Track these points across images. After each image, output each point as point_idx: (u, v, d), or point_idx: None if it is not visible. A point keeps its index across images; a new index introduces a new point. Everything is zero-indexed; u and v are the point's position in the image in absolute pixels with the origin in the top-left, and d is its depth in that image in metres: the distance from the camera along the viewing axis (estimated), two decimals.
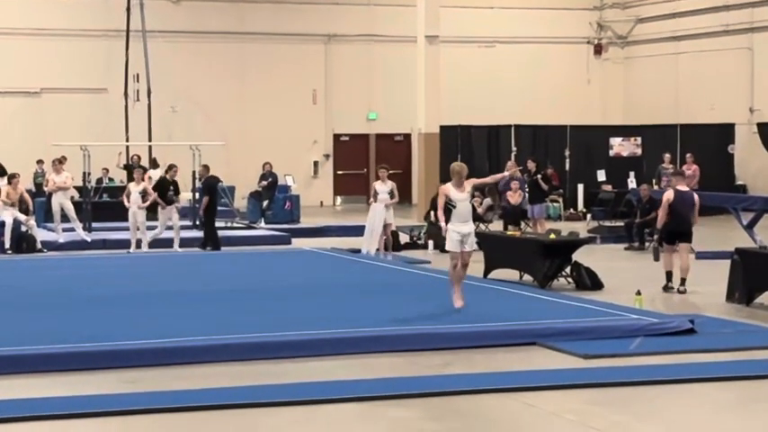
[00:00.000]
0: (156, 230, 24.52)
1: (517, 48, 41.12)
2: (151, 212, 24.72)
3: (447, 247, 15.05)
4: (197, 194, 28.35)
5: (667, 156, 31.62)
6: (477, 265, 19.90)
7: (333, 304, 15.67)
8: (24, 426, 9.66)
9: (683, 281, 17.69)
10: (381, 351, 12.64)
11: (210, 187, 25.05)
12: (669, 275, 17.90)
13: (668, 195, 18.02)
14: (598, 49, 42.56)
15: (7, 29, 36.27)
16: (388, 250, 23.25)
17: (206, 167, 26.04)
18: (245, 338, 12.72)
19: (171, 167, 25.36)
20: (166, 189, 24.41)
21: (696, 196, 18.31)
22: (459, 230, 14.90)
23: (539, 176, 27.20)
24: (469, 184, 15.00)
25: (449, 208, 14.87)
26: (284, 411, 10.17)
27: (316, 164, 40.35)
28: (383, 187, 22.97)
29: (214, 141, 30.86)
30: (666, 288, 17.81)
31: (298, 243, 25.90)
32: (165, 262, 22.28)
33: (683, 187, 18.32)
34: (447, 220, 14.91)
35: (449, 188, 14.91)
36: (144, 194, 24.12)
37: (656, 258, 18.56)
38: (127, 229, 24.71)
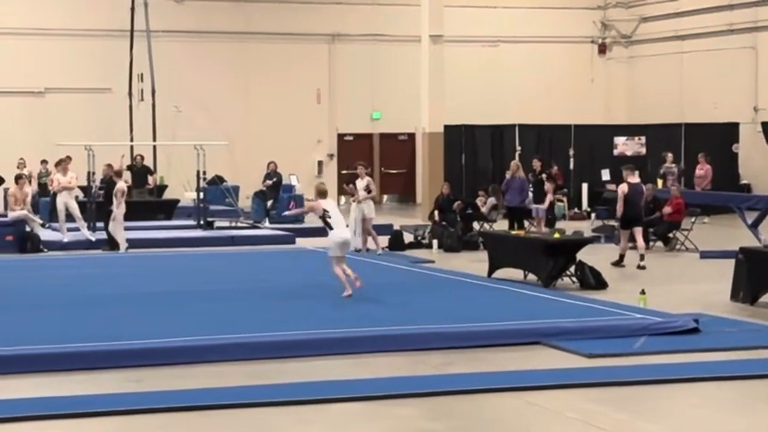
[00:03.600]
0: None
1: (521, 47, 41.10)
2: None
3: (333, 254, 16.41)
4: (201, 194, 28.38)
5: (669, 155, 31.60)
6: (481, 265, 19.94)
7: (337, 304, 15.68)
8: (30, 425, 9.68)
9: (642, 257, 20.91)
10: (385, 350, 12.65)
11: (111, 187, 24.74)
12: (622, 258, 20.94)
13: (623, 188, 21.08)
14: (602, 49, 42.54)
15: (11, 29, 36.27)
16: (378, 245, 23.38)
17: (110, 166, 25.88)
18: (249, 338, 12.74)
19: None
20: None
21: (644, 187, 22.28)
22: (342, 236, 16.32)
23: (543, 176, 27.21)
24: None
25: (327, 220, 16.28)
26: (288, 410, 10.18)
27: (320, 163, 40.34)
28: (360, 183, 23.59)
29: (218, 141, 30.88)
30: (617, 264, 20.74)
31: (302, 243, 25.89)
32: (169, 261, 22.29)
33: (634, 180, 21.37)
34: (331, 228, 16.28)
35: (323, 202, 16.46)
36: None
37: (618, 243, 21.73)
38: (132, 228, 24.76)
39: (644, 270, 20.47)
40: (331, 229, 16.27)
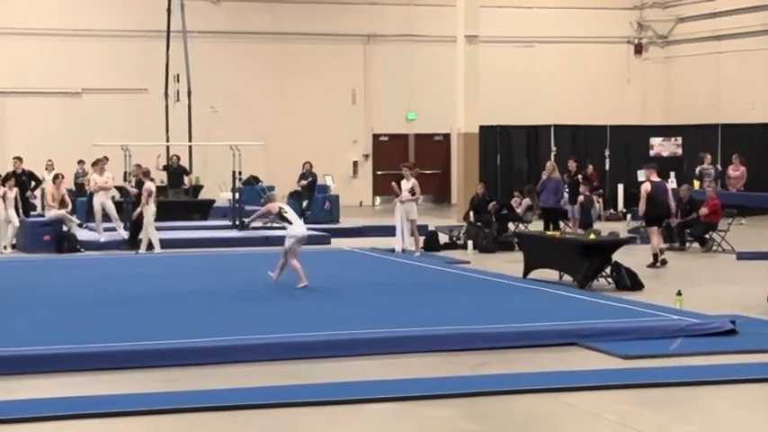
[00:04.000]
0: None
1: (557, 47, 40.99)
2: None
3: (290, 246, 17.77)
4: (236, 195, 28.44)
5: (708, 156, 31.43)
6: (516, 266, 19.90)
7: (371, 304, 15.68)
8: (62, 424, 9.71)
9: (655, 256, 21.15)
10: (420, 351, 12.63)
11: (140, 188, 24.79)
12: (656, 257, 21.02)
13: (646, 187, 21.28)
14: (638, 49, 42.39)
15: (49, 30, 36.49)
16: (417, 247, 23.39)
17: (138, 166, 25.95)
18: (282, 338, 12.74)
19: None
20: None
21: (667, 184, 22.80)
22: (302, 231, 17.96)
23: (579, 176, 27.11)
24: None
25: (284, 215, 17.99)
26: (321, 411, 10.17)
27: (355, 164, 40.38)
28: (406, 185, 23.51)
29: (254, 141, 30.93)
30: (653, 265, 20.73)
31: (337, 243, 25.90)
32: (204, 261, 22.34)
33: (656, 178, 21.55)
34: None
35: (277, 203, 18.58)
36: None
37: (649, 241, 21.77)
38: (167, 228, 24.83)
39: (661, 268, 20.77)
40: (290, 224, 17.82)
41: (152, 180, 25.52)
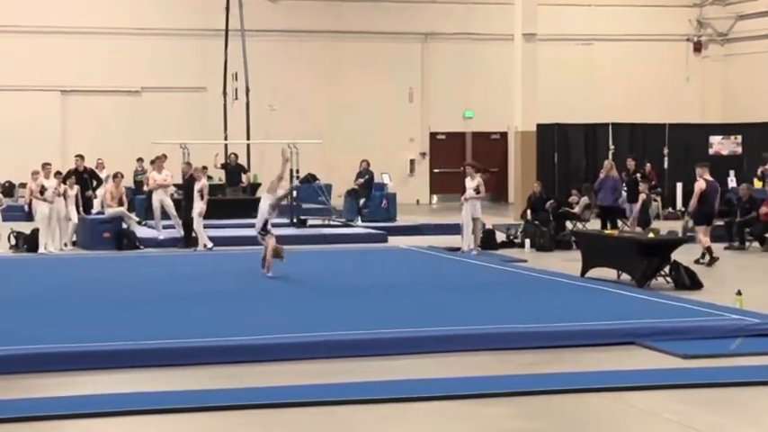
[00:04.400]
0: None
1: (615, 45, 40.81)
2: None
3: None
4: (294, 193, 28.52)
5: None
6: (574, 264, 19.82)
7: (427, 302, 15.66)
8: (126, 420, 9.78)
9: (703, 254, 21.07)
10: (476, 349, 12.59)
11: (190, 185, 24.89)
12: (710, 252, 21.03)
13: (701, 185, 21.35)
14: (698, 47, 42.10)
15: (109, 29, 36.85)
16: (475, 245, 23.36)
17: (188, 164, 26.04)
18: (337, 336, 12.76)
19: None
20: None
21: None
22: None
23: (638, 175, 26.95)
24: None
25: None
26: (376, 408, 10.18)
27: (412, 162, 40.41)
28: (470, 183, 23.40)
29: (311, 139, 31.03)
30: (710, 264, 20.67)
31: (394, 241, 25.93)
32: (259, 259, 22.38)
33: (709, 177, 21.67)
34: None
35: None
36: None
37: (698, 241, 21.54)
38: (225, 226, 24.98)
39: (710, 267, 20.57)
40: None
41: (209, 178, 25.65)
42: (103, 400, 10.30)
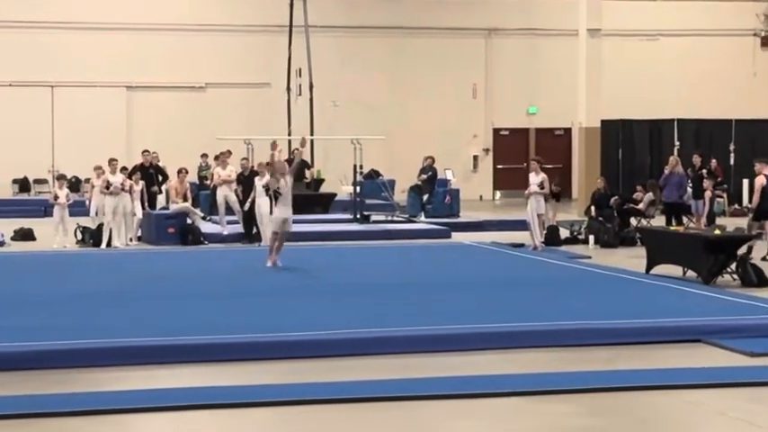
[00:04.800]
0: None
1: (680, 41, 40.48)
2: None
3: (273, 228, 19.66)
4: (357, 188, 28.57)
5: None
6: (639, 261, 19.70)
7: (493, 298, 15.64)
8: (201, 414, 9.83)
9: None
10: (540, 346, 12.55)
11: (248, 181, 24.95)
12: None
13: (761, 180, 21.36)
14: (765, 41, 41.65)
15: (174, 25, 37.12)
16: (539, 241, 23.26)
17: (246, 160, 26.04)
18: (402, 331, 12.76)
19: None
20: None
21: None
22: (283, 214, 19.44)
23: (703, 171, 26.73)
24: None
25: (276, 195, 19.72)
26: (442, 404, 10.17)
27: (475, 158, 40.36)
28: (535, 179, 23.30)
29: (375, 135, 31.07)
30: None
31: (457, 237, 25.91)
32: (326, 254, 22.47)
33: None
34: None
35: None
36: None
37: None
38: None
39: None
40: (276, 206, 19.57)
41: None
42: (174, 393, 10.35)
